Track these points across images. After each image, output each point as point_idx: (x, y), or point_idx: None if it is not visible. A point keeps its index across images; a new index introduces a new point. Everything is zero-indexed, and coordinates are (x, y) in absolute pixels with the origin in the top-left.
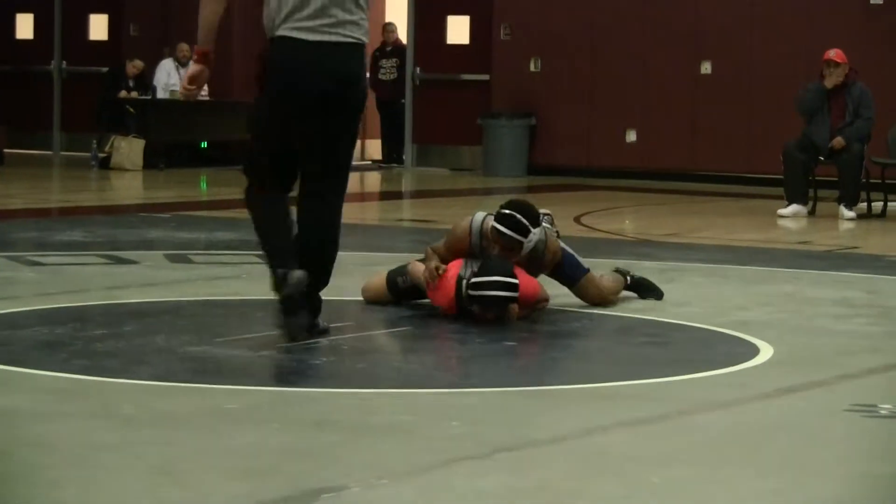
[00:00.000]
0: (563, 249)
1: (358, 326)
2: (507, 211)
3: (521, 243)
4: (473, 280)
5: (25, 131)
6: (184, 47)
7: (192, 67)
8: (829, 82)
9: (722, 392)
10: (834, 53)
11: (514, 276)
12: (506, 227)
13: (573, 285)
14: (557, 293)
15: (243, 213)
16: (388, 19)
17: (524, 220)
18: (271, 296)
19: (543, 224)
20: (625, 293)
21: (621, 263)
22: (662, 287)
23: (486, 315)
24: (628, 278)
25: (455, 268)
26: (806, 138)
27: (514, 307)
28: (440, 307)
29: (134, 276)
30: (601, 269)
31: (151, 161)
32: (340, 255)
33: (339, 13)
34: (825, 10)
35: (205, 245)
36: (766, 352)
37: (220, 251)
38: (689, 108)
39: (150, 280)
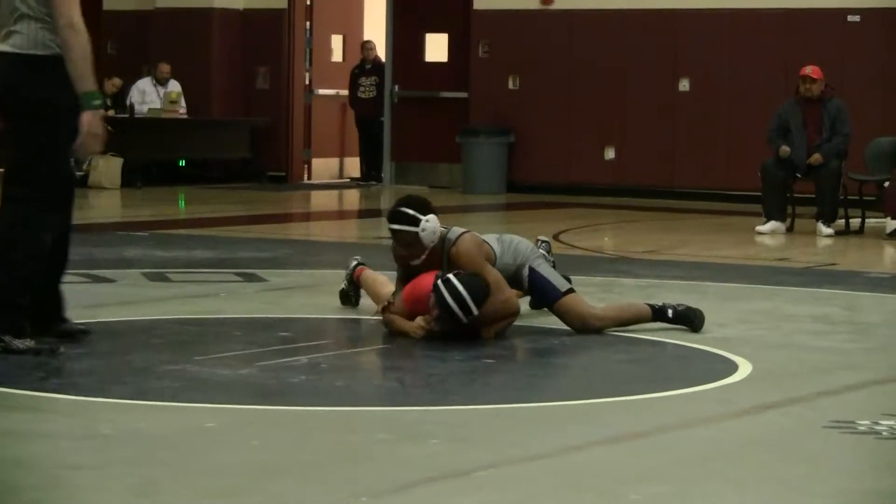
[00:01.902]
0: (529, 268)
1: (337, 344)
2: (392, 208)
3: (416, 234)
4: (449, 278)
5: (2, 150)
6: (164, 67)
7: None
8: (808, 93)
9: (701, 408)
10: (810, 70)
11: (480, 301)
12: (394, 222)
13: (550, 307)
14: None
15: (221, 231)
16: (366, 37)
17: (409, 211)
18: (249, 314)
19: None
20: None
21: (601, 281)
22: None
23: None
24: (669, 312)
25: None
26: (779, 160)
27: (489, 329)
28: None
29: (112, 295)
30: (577, 287)
31: (129, 179)
32: (321, 273)
33: (7, 23)
34: (803, 27)
35: (183, 263)
36: (744, 368)
37: (198, 269)
38: (668, 125)
39: (128, 298)
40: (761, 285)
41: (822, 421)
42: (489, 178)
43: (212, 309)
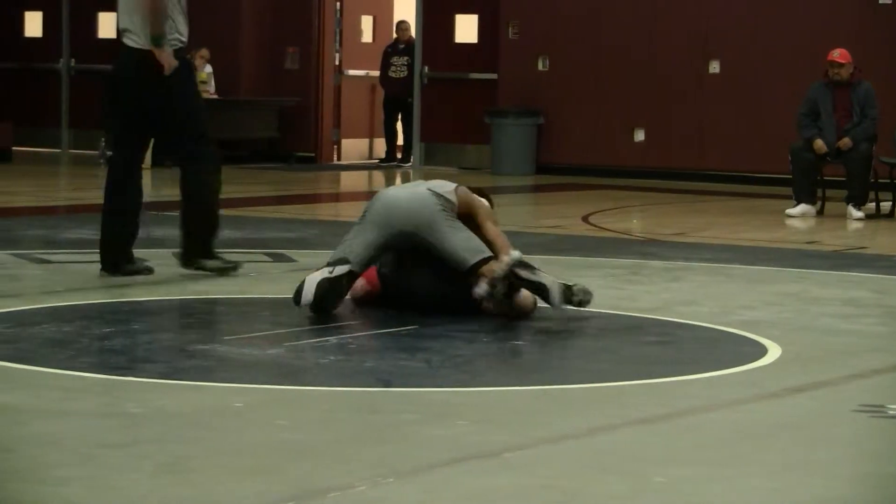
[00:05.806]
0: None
1: (364, 325)
2: None
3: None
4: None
5: (33, 129)
6: (204, 52)
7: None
8: (836, 77)
9: (728, 391)
10: (838, 54)
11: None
12: None
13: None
14: None
15: (250, 212)
16: (397, 17)
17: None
18: (278, 294)
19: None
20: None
21: (629, 263)
22: (669, 285)
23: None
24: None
25: None
26: (808, 143)
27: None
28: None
29: (141, 275)
30: (606, 269)
31: (159, 159)
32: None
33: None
34: (833, 9)
35: None
36: (773, 351)
37: (227, 249)
38: (697, 107)
39: (157, 278)
40: (790, 268)
41: (851, 405)
42: (518, 159)
43: (240, 289)
